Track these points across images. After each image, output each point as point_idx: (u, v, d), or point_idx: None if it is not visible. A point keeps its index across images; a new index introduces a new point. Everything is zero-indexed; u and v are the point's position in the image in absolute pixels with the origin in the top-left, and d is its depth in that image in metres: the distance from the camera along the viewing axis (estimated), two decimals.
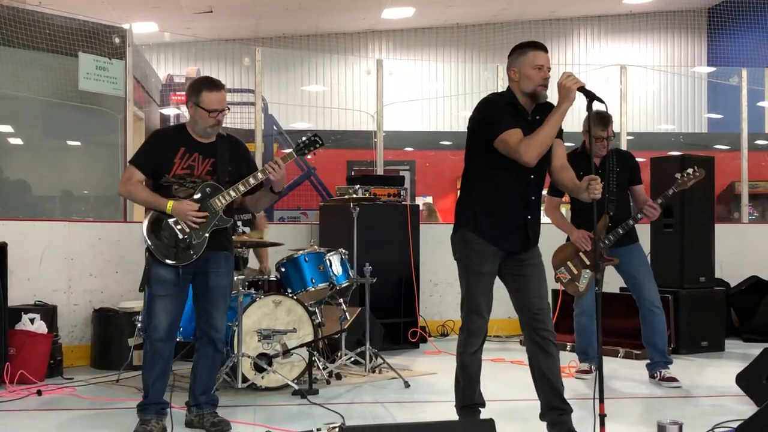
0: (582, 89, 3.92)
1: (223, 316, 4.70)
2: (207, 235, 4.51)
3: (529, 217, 4.17)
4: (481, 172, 4.19)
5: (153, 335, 4.51)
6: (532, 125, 4.08)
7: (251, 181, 4.54)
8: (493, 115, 4.10)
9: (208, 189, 4.53)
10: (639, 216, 5.91)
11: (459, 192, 4.37)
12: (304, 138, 4.74)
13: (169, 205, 4.44)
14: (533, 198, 4.18)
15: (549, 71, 4.11)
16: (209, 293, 4.62)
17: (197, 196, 4.51)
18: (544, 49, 4.14)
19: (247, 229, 6.50)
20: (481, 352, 4.27)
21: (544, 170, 4.20)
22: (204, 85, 4.56)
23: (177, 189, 4.51)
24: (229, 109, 4.65)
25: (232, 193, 4.53)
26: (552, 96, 4.11)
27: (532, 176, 4.13)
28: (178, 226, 4.47)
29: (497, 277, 4.27)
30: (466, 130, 4.30)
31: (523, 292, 4.21)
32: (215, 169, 4.57)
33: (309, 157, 4.88)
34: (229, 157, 4.62)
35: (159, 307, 4.50)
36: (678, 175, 5.81)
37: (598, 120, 5.76)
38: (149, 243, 4.47)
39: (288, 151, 4.72)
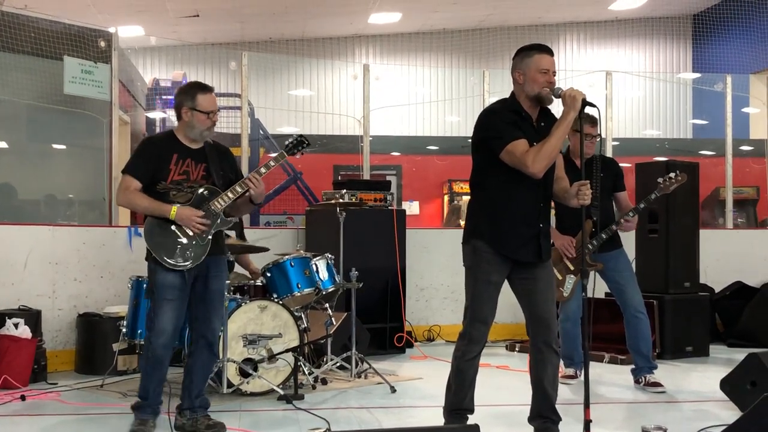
0: (587, 102, 3.96)
1: (220, 319, 4.78)
2: (210, 237, 4.55)
3: (541, 225, 4.18)
4: (491, 184, 4.16)
5: (157, 340, 4.51)
6: (539, 132, 4.08)
7: (238, 189, 4.58)
8: (496, 128, 4.07)
9: (206, 192, 4.58)
10: (622, 222, 5.93)
11: (471, 203, 4.35)
12: (291, 139, 4.79)
13: (173, 211, 4.46)
14: (542, 205, 4.19)
15: (554, 75, 4.11)
16: (210, 297, 4.66)
17: (196, 200, 4.54)
18: (549, 52, 4.12)
19: (232, 233, 6.49)
20: (479, 358, 4.26)
21: (551, 178, 4.21)
22: (197, 88, 4.62)
23: (175, 195, 4.54)
24: (219, 110, 4.70)
25: (230, 195, 4.58)
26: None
27: (541, 185, 4.13)
28: (182, 231, 4.50)
29: (506, 281, 4.26)
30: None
31: (531, 298, 4.21)
32: (209, 173, 4.62)
33: (298, 156, 4.92)
34: (219, 163, 4.67)
35: (165, 312, 4.51)
36: (660, 180, 5.85)
37: (587, 118, 5.77)
38: (153, 250, 4.48)
39: (278, 152, 4.75)
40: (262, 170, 4.63)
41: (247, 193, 4.59)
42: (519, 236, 4.13)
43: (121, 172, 4.66)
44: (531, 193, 4.12)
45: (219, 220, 4.58)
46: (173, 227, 4.50)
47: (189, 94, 4.59)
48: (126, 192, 4.54)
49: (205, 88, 4.63)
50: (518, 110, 4.13)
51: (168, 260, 4.47)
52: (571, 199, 4.11)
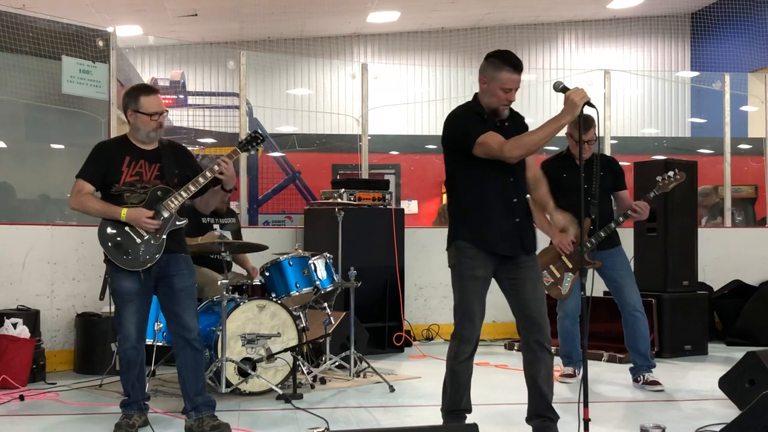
0: (588, 104, 3.91)
1: (193, 315, 4.71)
2: (164, 237, 4.57)
3: (517, 219, 4.18)
4: (463, 185, 4.21)
5: (124, 344, 4.63)
6: (504, 130, 4.11)
7: (200, 180, 4.61)
8: (464, 126, 4.12)
9: (159, 192, 4.60)
10: (621, 219, 5.93)
11: (449, 206, 4.40)
12: (245, 136, 4.85)
13: (123, 212, 4.51)
14: (515, 200, 4.19)
15: (516, 91, 4.12)
16: (176, 296, 4.65)
17: (149, 200, 4.57)
18: (519, 70, 4.10)
19: (227, 233, 6.48)
20: (473, 359, 4.26)
21: (522, 172, 4.23)
22: (140, 91, 4.67)
23: (129, 196, 4.58)
24: (167, 111, 4.73)
25: (184, 194, 4.60)
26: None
27: (511, 179, 4.16)
28: (135, 232, 4.54)
29: (493, 280, 4.26)
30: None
31: (520, 296, 4.21)
32: (163, 173, 4.65)
33: (252, 153, 4.96)
34: (174, 161, 4.69)
35: (126, 317, 4.60)
36: (659, 178, 5.86)
37: (584, 123, 5.76)
38: (107, 252, 4.55)
39: (232, 149, 4.79)
40: (216, 168, 4.61)
41: (221, 180, 4.63)
42: (497, 231, 4.15)
43: (75, 176, 4.68)
44: (504, 189, 4.16)
45: (172, 220, 4.60)
46: (126, 228, 4.54)
47: (132, 96, 4.64)
48: (78, 195, 4.60)
49: (148, 90, 4.67)
50: (481, 113, 4.16)
51: (122, 262, 4.52)
52: (551, 223, 4.18)
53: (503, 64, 4.09)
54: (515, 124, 4.19)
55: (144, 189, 4.59)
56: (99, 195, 4.67)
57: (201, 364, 4.83)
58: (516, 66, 4.09)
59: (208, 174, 4.60)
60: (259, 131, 4.84)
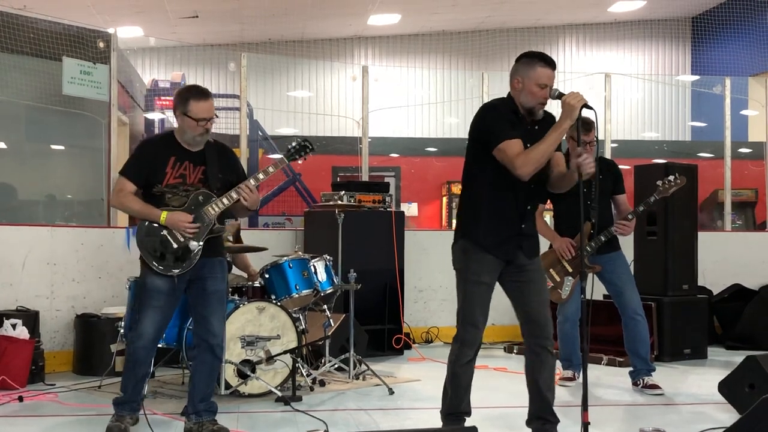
0: (586, 106, 3.91)
1: (220, 321, 4.69)
2: (201, 244, 4.51)
3: (522, 226, 4.17)
4: (483, 181, 4.17)
5: (137, 342, 4.56)
6: (532, 134, 4.07)
7: (233, 195, 4.53)
8: (494, 123, 4.08)
9: (200, 197, 4.53)
10: (613, 230, 5.91)
11: (460, 200, 4.36)
12: (294, 143, 4.71)
13: (163, 216, 4.45)
14: (529, 208, 4.19)
15: (551, 89, 4.10)
16: (207, 299, 4.60)
17: (190, 205, 4.51)
18: (552, 65, 4.09)
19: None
20: (474, 362, 4.25)
21: (544, 180, 4.21)
22: (192, 94, 4.52)
23: (170, 198, 4.52)
24: (217, 116, 4.62)
25: (225, 201, 4.53)
26: (548, 103, 4.12)
27: (532, 186, 4.13)
28: (172, 236, 4.48)
29: (498, 283, 4.25)
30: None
31: (524, 298, 4.21)
32: (206, 176, 4.57)
33: (300, 162, 4.86)
34: (218, 165, 4.62)
35: (148, 316, 4.54)
36: (659, 183, 5.84)
37: (583, 125, 5.76)
38: (143, 254, 4.49)
39: (278, 156, 4.70)
40: (260, 176, 4.58)
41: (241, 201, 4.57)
42: (501, 234, 4.14)
43: (118, 173, 4.66)
44: (521, 192, 4.13)
45: (212, 227, 4.54)
46: (164, 232, 4.48)
47: (183, 98, 4.52)
48: (119, 194, 4.55)
49: (199, 95, 4.51)
50: (516, 111, 4.14)
51: (157, 265, 4.48)
52: (573, 174, 4.04)
53: (536, 60, 4.09)
54: (545, 129, 4.09)
55: (186, 192, 4.52)
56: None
57: (216, 371, 4.80)
58: (549, 61, 4.09)
59: (234, 195, 4.51)
60: (309, 140, 4.71)
